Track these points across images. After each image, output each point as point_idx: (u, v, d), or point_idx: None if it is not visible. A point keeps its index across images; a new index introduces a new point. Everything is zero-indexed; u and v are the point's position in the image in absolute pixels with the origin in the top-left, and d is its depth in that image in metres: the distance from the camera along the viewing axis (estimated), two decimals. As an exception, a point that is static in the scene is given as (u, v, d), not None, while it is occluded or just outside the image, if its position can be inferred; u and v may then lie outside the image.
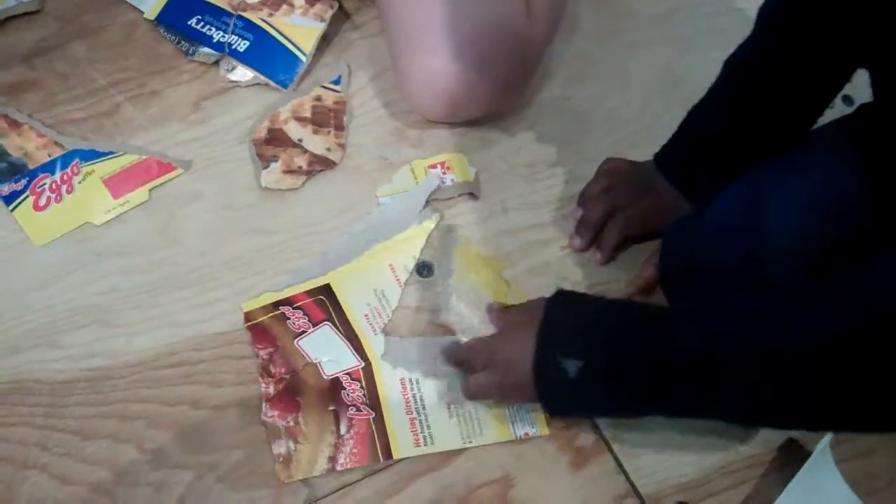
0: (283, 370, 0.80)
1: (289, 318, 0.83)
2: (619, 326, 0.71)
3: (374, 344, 0.83)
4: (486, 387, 0.77)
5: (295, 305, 0.83)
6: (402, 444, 0.79)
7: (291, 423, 0.78)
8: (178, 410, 0.79)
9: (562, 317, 0.73)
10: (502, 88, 0.90)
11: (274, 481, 0.76)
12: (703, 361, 0.66)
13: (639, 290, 0.89)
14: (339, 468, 0.77)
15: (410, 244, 0.88)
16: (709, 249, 0.76)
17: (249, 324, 0.82)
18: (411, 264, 0.87)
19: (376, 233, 0.88)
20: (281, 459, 0.77)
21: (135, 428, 0.78)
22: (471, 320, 0.82)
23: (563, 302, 0.75)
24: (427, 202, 0.90)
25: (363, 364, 0.82)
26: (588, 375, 0.69)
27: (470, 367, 0.78)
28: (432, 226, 0.89)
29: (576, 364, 0.69)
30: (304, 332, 0.82)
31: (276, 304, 0.83)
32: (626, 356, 0.69)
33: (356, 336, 0.83)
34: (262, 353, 0.81)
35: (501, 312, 0.81)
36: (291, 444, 0.77)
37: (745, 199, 0.75)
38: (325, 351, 0.82)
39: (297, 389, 0.80)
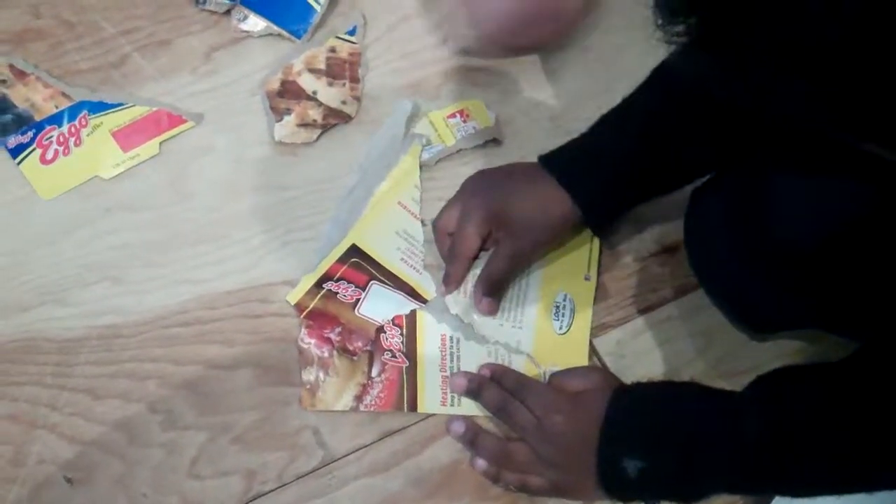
0: (360, 343, 0.79)
1: (337, 293, 0.80)
2: (685, 422, 0.69)
3: (423, 283, 0.82)
4: (542, 487, 0.74)
5: (336, 278, 0.81)
6: (429, 400, 0.77)
7: (326, 355, 0.78)
8: (191, 370, 0.77)
9: (624, 416, 0.71)
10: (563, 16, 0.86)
11: (288, 443, 0.74)
12: (775, 448, 0.65)
13: (663, 248, 0.86)
14: (362, 408, 0.77)
15: (408, 176, 0.86)
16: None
17: (305, 313, 0.80)
18: (417, 194, 0.85)
19: (371, 178, 0.85)
20: (308, 387, 0.77)
21: (146, 387, 0.76)
22: None
23: (624, 401, 0.72)
24: (408, 129, 0.87)
25: (423, 306, 0.81)
26: (655, 475, 0.69)
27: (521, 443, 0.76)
28: (420, 148, 0.86)
29: (641, 464, 0.68)
30: (358, 300, 0.80)
31: (319, 284, 0.81)
32: (693, 453, 0.68)
33: (404, 283, 0.82)
34: (332, 335, 0.79)
35: (557, 382, 0.77)
36: (321, 375, 0.77)
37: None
38: (386, 309, 0.80)
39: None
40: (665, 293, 0.86)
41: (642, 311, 0.85)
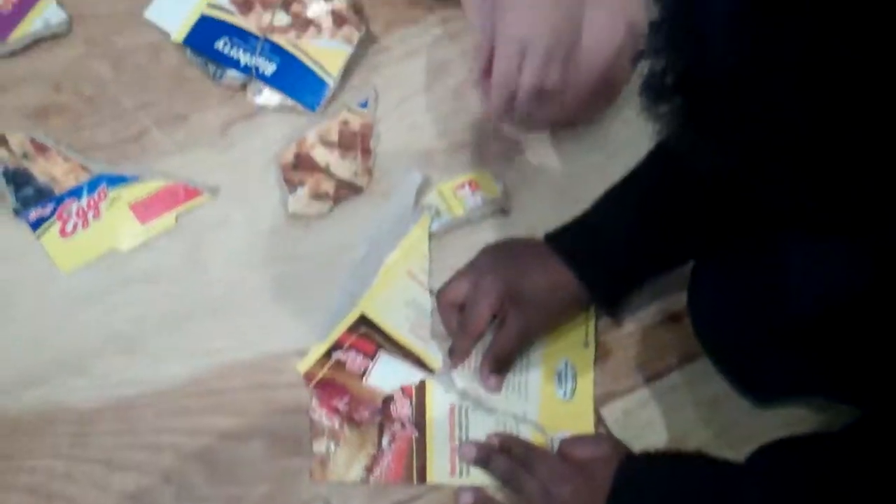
0: (367, 413, 0.81)
1: (345, 363, 0.82)
2: (690, 496, 0.72)
3: (430, 351, 0.84)
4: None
5: (345, 348, 0.83)
6: (438, 470, 0.79)
7: (336, 426, 0.79)
8: (204, 441, 0.79)
9: (630, 488, 0.73)
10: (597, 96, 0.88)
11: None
12: None
13: (668, 316, 0.88)
14: (373, 479, 0.78)
15: (418, 246, 0.88)
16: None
17: (314, 382, 0.82)
18: (426, 265, 0.87)
19: (381, 248, 0.87)
20: (319, 458, 0.79)
21: (161, 458, 0.78)
22: None
23: (630, 472, 0.74)
24: (417, 200, 0.89)
25: (430, 375, 0.82)
26: None
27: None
28: (430, 220, 0.88)
29: None
30: (366, 369, 0.82)
31: (328, 354, 0.82)
32: None
33: (412, 353, 0.84)
34: (339, 405, 0.80)
35: (565, 450, 0.79)
36: (332, 445, 0.79)
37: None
38: (394, 379, 0.82)
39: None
40: (670, 361, 0.87)
41: (648, 380, 0.86)
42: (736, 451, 0.75)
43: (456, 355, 0.82)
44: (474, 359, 0.84)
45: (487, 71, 0.80)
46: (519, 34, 0.78)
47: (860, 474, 0.66)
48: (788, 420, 0.83)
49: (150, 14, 0.97)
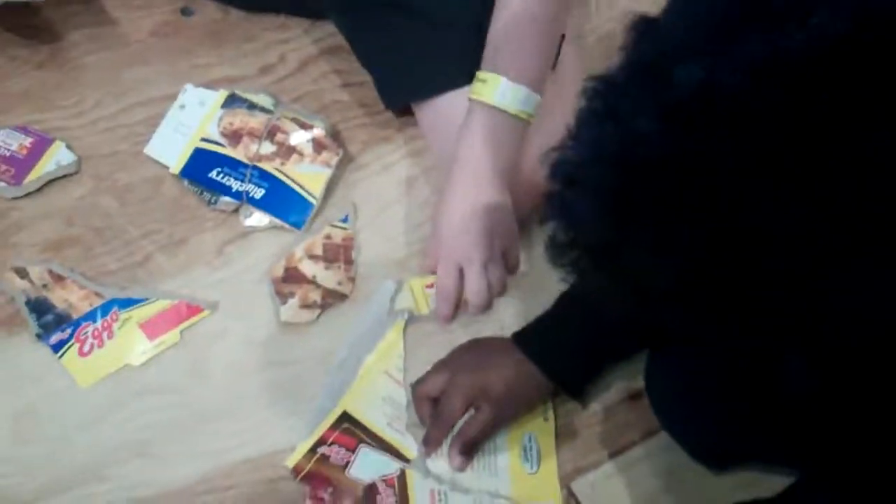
0: (348, 499, 0.90)
1: (329, 456, 0.92)
2: None
3: (407, 444, 0.93)
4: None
5: (329, 443, 0.92)
6: (425, 551, 0.87)
7: None
8: (214, 535, 0.88)
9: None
10: None
11: None
12: None
13: (629, 395, 0.97)
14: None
15: (393, 348, 0.98)
16: None
17: (301, 475, 0.91)
18: (401, 363, 0.97)
19: (360, 351, 0.97)
20: None
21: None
22: None
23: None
24: (392, 306, 1.00)
25: (406, 464, 0.91)
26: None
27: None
28: (403, 323, 0.98)
29: None
30: (348, 462, 0.92)
31: (314, 448, 0.92)
32: None
33: (390, 444, 0.93)
34: (325, 495, 0.90)
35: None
36: None
37: None
38: (373, 470, 0.91)
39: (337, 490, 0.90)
40: (633, 436, 0.97)
41: (612, 455, 0.95)
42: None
43: (430, 444, 0.92)
44: (446, 445, 0.93)
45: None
46: (456, 258, 0.93)
47: None
48: (742, 481, 0.92)
49: (150, 150, 1.08)
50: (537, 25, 0.95)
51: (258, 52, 1.16)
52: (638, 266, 0.48)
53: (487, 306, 0.95)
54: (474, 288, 0.93)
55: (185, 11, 1.18)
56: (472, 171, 0.92)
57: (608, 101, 0.49)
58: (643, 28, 0.50)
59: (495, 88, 0.92)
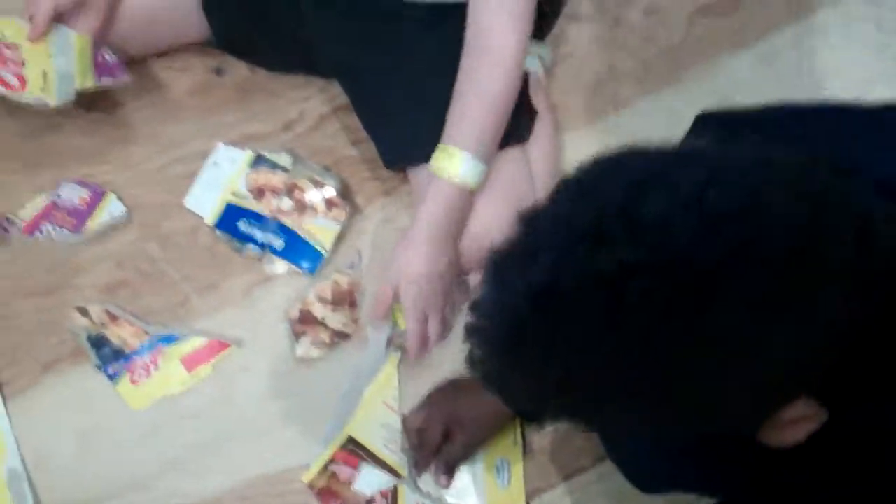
0: None
1: (337, 473, 1.12)
2: None
3: (400, 462, 1.13)
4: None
5: (337, 462, 1.13)
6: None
7: None
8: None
9: None
10: None
11: None
12: None
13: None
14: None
15: (389, 381, 1.18)
16: None
17: (316, 490, 1.12)
18: (396, 394, 1.17)
19: (361, 384, 1.17)
20: None
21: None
22: None
23: None
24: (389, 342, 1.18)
25: (399, 480, 1.12)
26: None
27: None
28: (398, 358, 1.18)
29: None
30: (352, 478, 1.12)
31: (325, 466, 1.13)
32: None
33: (386, 463, 1.13)
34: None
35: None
36: None
37: None
38: (374, 485, 1.12)
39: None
40: (585, 462, 1.16)
41: (566, 478, 1.16)
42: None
43: (418, 468, 1.13)
44: (433, 466, 1.14)
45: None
46: (413, 310, 1.11)
47: None
48: (673, 499, 1.12)
49: (188, 202, 1.28)
50: (497, 104, 1.12)
51: (281, 108, 1.35)
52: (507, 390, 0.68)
53: (427, 351, 1.14)
54: (414, 338, 1.12)
55: (219, 72, 1.36)
56: (430, 235, 1.09)
57: (496, 269, 0.67)
58: (527, 218, 0.67)
59: (460, 164, 1.09)
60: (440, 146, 1.10)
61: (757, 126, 0.88)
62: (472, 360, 0.69)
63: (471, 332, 0.67)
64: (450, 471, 1.13)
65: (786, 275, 0.61)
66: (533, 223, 0.67)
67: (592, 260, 0.60)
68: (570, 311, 0.61)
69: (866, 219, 0.65)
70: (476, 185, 1.10)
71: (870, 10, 1.57)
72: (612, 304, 0.60)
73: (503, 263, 0.66)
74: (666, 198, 0.61)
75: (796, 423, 0.70)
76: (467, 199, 1.10)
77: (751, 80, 1.48)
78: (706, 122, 0.93)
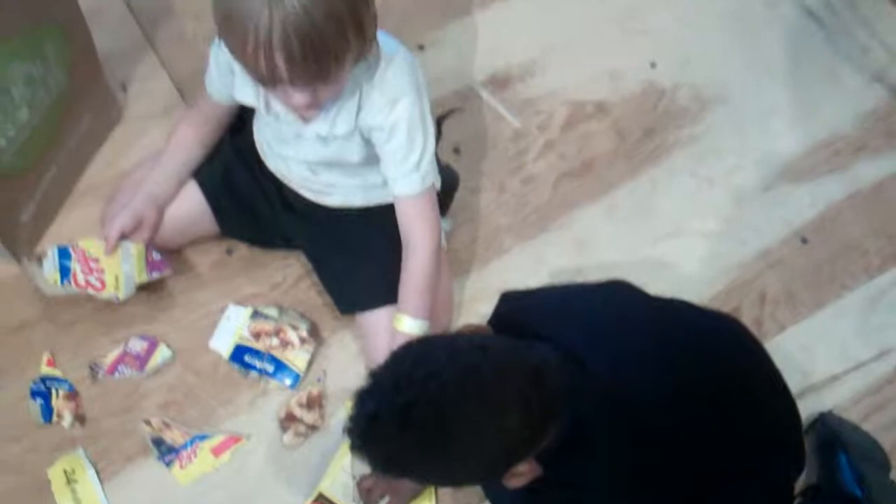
0: None
1: None
2: None
3: None
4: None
5: None
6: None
7: None
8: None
9: None
10: None
11: None
12: None
13: None
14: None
15: (345, 454, 1.79)
16: None
17: None
18: (348, 464, 1.80)
19: (328, 456, 1.82)
20: None
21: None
22: None
23: None
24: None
25: None
26: None
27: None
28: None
29: None
30: None
31: (304, 510, 1.78)
32: None
33: None
34: None
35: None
36: None
37: None
38: None
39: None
40: (472, 500, 1.80)
41: (460, 513, 1.79)
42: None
43: None
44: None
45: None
46: None
47: None
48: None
49: (212, 345, 1.95)
50: (426, 282, 1.75)
51: (270, 274, 2.02)
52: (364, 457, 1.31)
53: None
54: None
55: (229, 251, 2.05)
56: None
57: (357, 400, 1.31)
58: (372, 373, 1.32)
59: (407, 323, 1.74)
60: (396, 314, 1.74)
61: (520, 309, 1.53)
62: (348, 431, 1.30)
63: (346, 428, 1.31)
64: None
65: (482, 405, 1.24)
66: (373, 376, 1.32)
67: (393, 398, 1.25)
68: (384, 426, 1.26)
69: (541, 367, 1.28)
70: (420, 333, 1.74)
71: (687, 163, 2.20)
72: (399, 426, 1.24)
73: (359, 396, 1.30)
74: (426, 371, 1.25)
75: (522, 474, 1.33)
76: None
77: (598, 226, 2.11)
78: (502, 301, 1.58)
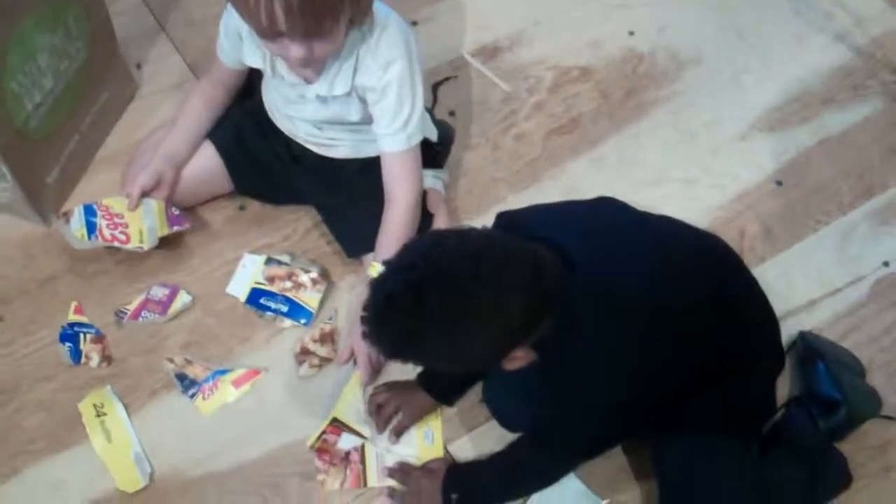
0: (337, 460, 1.86)
1: (328, 439, 1.87)
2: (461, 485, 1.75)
3: (366, 430, 1.87)
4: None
5: (327, 433, 1.87)
6: (371, 480, 1.83)
7: (325, 467, 1.83)
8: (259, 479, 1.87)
9: (451, 477, 1.76)
10: None
11: (312, 504, 1.82)
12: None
13: (479, 400, 1.93)
14: (344, 488, 1.82)
15: (357, 382, 1.93)
16: None
17: (316, 447, 1.86)
18: (361, 391, 1.92)
19: (342, 384, 1.94)
20: (321, 481, 1.81)
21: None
22: None
23: (452, 471, 1.77)
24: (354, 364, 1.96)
25: (365, 440, 1.87)
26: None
27: None
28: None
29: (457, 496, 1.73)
30: (336, 440, 1.87)
31: (320, 436, 1.88)
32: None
33: (357, 431, 1.87)
34: (326, 458, 1.85)
35: (406, 474, 1.85)
36: (325, 475, 1.82)
37: None
38: (349, 444, 1.85)
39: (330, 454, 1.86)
40: (480, 419, 1.92)
41: (469, 430, 1.91)
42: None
43: (378, 431, 1.89)
44: (386, 433, 1.90)
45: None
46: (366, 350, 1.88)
47: (508, 463, 1.72)
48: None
49: (229, 290, 2.08)
50: (403, 232, 1.89)
51: (281, 227, 2.15)
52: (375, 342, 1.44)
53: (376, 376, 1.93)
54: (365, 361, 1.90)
55: (241, 208, 2.19)
56: None
57: (373, 285, 1.44)
58: (386, 261, 1.46)
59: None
60: (372, 262, 1.88)
61: (516, 218, 1.66)
62: (363, 320, 1.42)
63: (363, 309, 1.44)
64: (397, 434, 1.88)
65: (489, 286, 1.36)
66: (386, 264, 1.45)
67: (407, 277, 1.37)
68: (400, 301, 1.38)
69: (539, 259, 1.41)
70: None
71: (667, 118, 2.36)
72: (415, 300, 1.36)
73: (374, 283, 1.43)
74: (440, 252, 1.37)
75: (519, 359, 1.46)
76: None
77: (586, 176, 2.26)
78: (499, 217, 1.71)
